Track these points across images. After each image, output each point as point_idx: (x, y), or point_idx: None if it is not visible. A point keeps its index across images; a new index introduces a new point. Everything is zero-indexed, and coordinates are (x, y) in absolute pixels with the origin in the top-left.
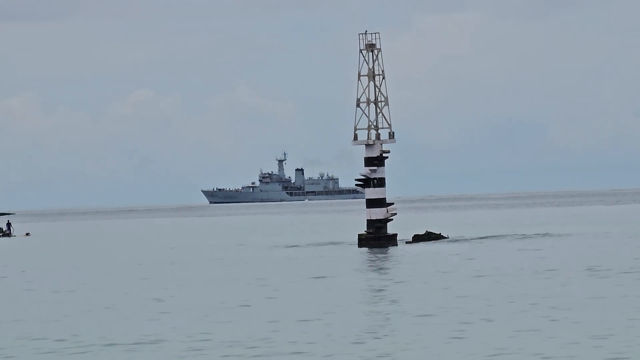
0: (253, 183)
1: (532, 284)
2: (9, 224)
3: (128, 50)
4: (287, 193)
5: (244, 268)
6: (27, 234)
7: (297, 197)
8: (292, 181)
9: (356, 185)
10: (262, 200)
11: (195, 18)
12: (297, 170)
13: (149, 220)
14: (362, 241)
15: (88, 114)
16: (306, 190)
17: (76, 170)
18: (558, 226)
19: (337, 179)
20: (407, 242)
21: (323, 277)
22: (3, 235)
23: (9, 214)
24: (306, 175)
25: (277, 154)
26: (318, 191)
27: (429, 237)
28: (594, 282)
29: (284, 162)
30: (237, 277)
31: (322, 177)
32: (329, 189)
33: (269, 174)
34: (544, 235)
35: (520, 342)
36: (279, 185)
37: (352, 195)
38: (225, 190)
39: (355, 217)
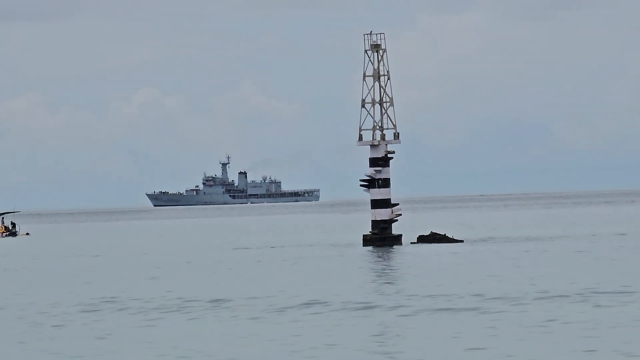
0: (197, 186)
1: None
2: (13, 224)
3: (132, 49)
4: (230, 196)
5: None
6: (27, 234)
7: (239, 200)
8: (235, 184)
9: (361, 185)
10: (205, 203)
11: (200, 17)
12: (240, 173)
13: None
14: (367, 241)
15: (92, 114)
16: (249, 193)
17: (80, 170)
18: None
19: (280, 182)
20: (411, 243)
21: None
22: (9, 234)
23: (14, 212)
24: (249, 179)
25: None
26: (261, 194)
27: (434, 237)
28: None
29: (227, 165)
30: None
31: (264, 180)
32: (272, 192)
33: (212, 177)
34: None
35: None
36: (222, 188)
37: (294, 198)
38: (169, 194)
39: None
